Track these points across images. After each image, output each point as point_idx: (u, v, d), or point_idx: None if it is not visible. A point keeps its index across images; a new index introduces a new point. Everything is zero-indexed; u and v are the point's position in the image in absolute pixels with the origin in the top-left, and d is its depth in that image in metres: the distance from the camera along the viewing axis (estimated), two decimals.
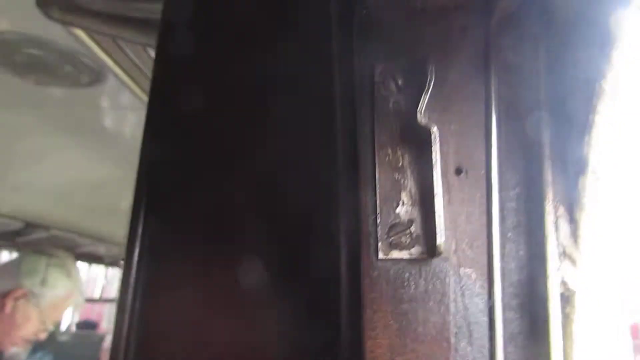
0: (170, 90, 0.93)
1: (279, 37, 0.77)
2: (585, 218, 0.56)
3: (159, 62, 0.96)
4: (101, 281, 6.35)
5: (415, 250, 0.59)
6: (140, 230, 0.94)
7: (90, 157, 4.04)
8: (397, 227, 0.60)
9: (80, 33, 2.33)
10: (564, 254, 0.57)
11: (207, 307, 0.88)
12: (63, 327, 5.66)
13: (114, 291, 6.50)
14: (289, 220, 0.79)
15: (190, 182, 0.91)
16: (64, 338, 5.28)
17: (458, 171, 0.61)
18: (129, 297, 0.91)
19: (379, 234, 0.60)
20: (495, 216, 0.59)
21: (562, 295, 0.56)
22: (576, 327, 0.55)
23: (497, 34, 0.64)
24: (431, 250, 0.58)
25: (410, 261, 0.59)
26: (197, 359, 0.87)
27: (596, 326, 0.55)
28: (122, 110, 3.42)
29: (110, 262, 6.32)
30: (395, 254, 0.59)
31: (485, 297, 0.58)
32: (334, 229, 0.69)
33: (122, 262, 1.00)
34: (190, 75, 0.89)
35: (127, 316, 0.89)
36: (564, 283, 0.56)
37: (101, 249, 5.80)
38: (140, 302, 0.91)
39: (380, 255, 0.59)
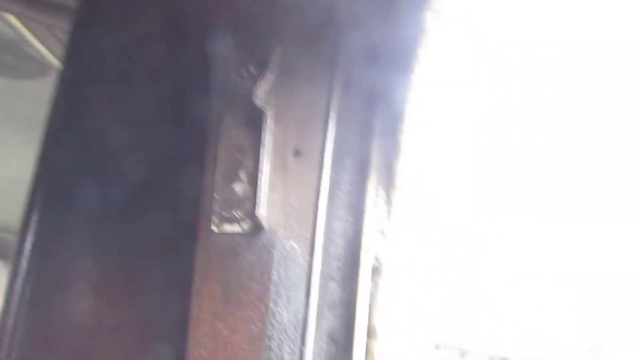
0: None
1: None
2: (397, 198, 0.61)
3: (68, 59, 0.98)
4: None
5: (246, 225, 0.63)
6: (34, 221, 0.95)
7: (34, 152, 3.94)
8: (231, 202, 0.64)
9: (13, 20, 2.30)
10: (379, 230, 0.62)
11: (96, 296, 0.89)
12: None
13: None
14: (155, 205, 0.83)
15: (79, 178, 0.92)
16: None
17: (296, 152, 0.66)
18: (18, 288, 0.91)
19: (214, 208, 0.64)
20: (323, 196, 0.64)
21: (373, 266, 0.61)
22: (381, 294, 0.60)
23: (347, 34, 0.70)
24: (260, 224, 0.62)
25: (241, 235, 0.63)
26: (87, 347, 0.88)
27: (399, 294, 0.60)
28: None
29: None
30: (228, 228, 0.63)
31: (306, 267, 0.63)
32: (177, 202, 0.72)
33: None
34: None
35: (14, 306, 0.89)
36: (376, 255, 0.61)
37: None
38: (30, 293, 0.91)
39: (214, 228, 0.63)
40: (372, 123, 0.66)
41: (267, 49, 0.67)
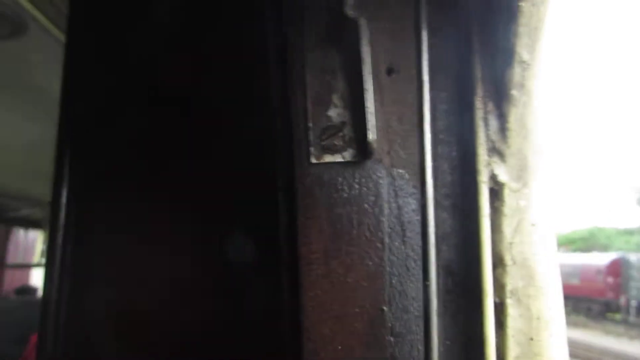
0: (90, 34, 0.86)
1: None
2: (513, 111, 0.56)
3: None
4: (39, 246, 6.08)
5: (349, 153, 0.57)
6: (66, 172, 0.88)
7: (19, 116, 3.77)
8: (329, 130, 0.58)
9: None
10: (493, 149, 0.57)
11: (139, 247, 0.85)
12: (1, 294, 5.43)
13: None
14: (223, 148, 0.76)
15: (115, 120, 0.86)
16: (3, 304, 5.07)
17: (389, 71, 0.59)
18: (59, 240, 0.86)
19: (310, 138, 0.58)
20: (426, 116, 0.58)
21: (491, 189, 0.57)
22: (505, 220, 0.55)
23: None
24: (365, 151, 0.56)
25: (344, 164, 0.57)
26: (131, 301, 0.84)
27: (524, 218, 0.56)
28: (48, 63, 3.17)
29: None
30: (328, 158, 0.57)
31: (418, 196, 0.58)
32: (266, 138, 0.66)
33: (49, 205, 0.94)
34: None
35: (58, 261, 0.84)
36: (493, 177, 0.56)
37: (37, 213, 5.54)
38: (72, 245, 0.86)
39: (313, 160, 0.57)
40: (470, 29, 0.59)
41: None
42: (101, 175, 0.88)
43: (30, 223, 5.69)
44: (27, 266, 6.06)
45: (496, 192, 0.57)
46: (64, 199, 0.87)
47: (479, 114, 0.57)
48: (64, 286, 0.84)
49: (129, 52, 0.85)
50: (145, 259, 0.85)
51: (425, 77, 0.58)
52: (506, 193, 0.56)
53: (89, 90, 0.89)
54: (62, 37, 2.61)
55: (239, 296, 0.75)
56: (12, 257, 5.58)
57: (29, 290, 5.60)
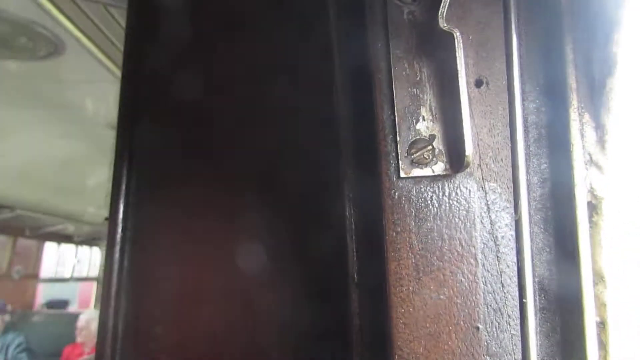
0: (148, 47, 0.87)
1: None
2: (613, 122, 0.54)
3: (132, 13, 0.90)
4: (71, 260, 6.18)
5: (438, 167, 0.56)
6: (124, 187, 0.89)
7: (54, 134, 3.87)
8: (418, 143, 0.56)
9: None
10: (590, 162, 0.55)
11: (198, 263, 0.85)
12: (34, 308, 5.51)
13: (84, 270, 6.35)
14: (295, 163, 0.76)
15: (172, 136, 0.86)
16: (35, 318, 5.14)
17: (478, 83, 0.58)
18: (117, 254, 0.86)
19: (399, 152, 0.57)
20: (519, 128, 0.57)
21: (589, 203, 0.54)
22: (605, 234, 0.53)
23: None
24: (456, 164, 0.55)
25: (433, 178, 0.56)
26: (188, 317, 0.84)
27: (626, 233, 0.53)
28: (84, 82, 3.25)
29: (79, 241, 6.17)
30: (417, 172, 0.56)
31: (512, 210, 0.56)
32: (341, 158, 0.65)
33: (105, 221, 0.95)
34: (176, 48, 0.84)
35: (115, 275, 0.84)
36: (591, 191, 0.54)
37: (70, 228, 5.64)
38: (129, 259, 0.86)
39: (402, 174, 0.56)
40: (562, 39, 0.57)
41: None
42: (157, 190, 0.88)
43: (62, 238, 5.80)
44: (60, 280, 6.16)
45: (594, 206, 0.54)
46: (120, 215, 0.87)
47: (575, 125, 0.56)
48: (120, 302, 0.84)
49: (187, 68, 0.86)
50: (203, 273, 0.84)
51: (517, 88, 0.57)
52: (605, 207, 0.54)
53: (146, 109, 0.90)
54: (100, 56, 2.68)
55: (304, 309, 0.74)
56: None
57: (60, 304, 5.68)
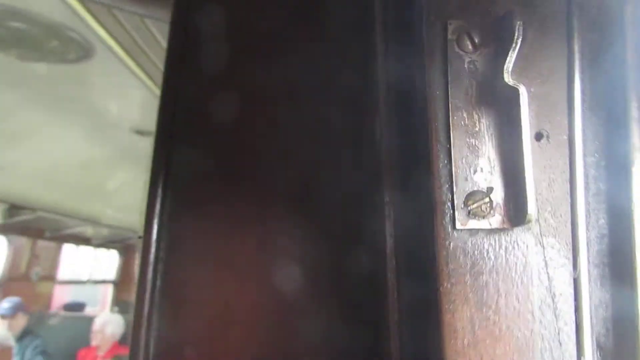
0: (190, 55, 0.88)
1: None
2: None
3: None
4: (89, 263, 6.26)
5: (495, 220, 0.56)
6: (158, 206, 0.89)
7: (77, 136, 3.93)
8: (475, 195, 0.56)
9: (73, 2, 2.21)
10: None
11: (231, 283, 0.85)
12: (51, 310, 5.57)
13: (101, 273, 6.42)
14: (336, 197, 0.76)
15: (214, 172, 0.87)
16: (52, 321, 5.20)
17: (538, 136, 0.57)
18: (150, 273, 0.87)
19: (455, 202, 0.56)
20: (580, 183, 0.56)
21: None
22: None
23: None
24: (515, 219, 0.55)
25: (490, 231, 0.56)
26: (224, 337, 0.84)
27: None
28: (110, 87, 3.29)
29: (98, 244, 6.24)
30: (474, 224, 0.56)
31: (570, 268, 0.55)
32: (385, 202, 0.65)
33: (139, 239, 0.96)
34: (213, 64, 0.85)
35: (148, 294, 0.85)
36: None
37: (89, 231, 5.71)
38: (161, 278, 0.87)
39: (458, 226, 0.56)
40: (626, 93, 0.57)
41: (504, 17, 0.58)
42: (192, 210, 0.89)
43: (81, 240, 5.87)
44: (78, 282, 6.23)
45: None
46: (154, 234, 0.88)
47: (637, 181, 0.55)
48: (152, 321, 0.84)
49: (224, 88, 0.87)
50: (236, 294, 0.84)
51: (579, 143, 0.57)
52: None
53: (184, 129, 0.90)
54: (129, 62, 2.72)
55: (339, 331, 0.73)
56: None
57: (77, 306, 5.73)
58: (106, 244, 6.10)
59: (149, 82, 2.83)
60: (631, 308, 0.54)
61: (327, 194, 0.78)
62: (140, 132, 3.74)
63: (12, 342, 4.24)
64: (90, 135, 3.96)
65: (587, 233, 0.56)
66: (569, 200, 0.56)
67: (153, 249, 0.88)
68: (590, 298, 0.55)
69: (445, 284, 0.55)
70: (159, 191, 0.89)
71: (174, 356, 0.84)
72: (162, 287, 0.86)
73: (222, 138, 0.87)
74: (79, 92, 3.26)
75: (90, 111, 3.53)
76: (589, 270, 0.55)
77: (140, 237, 0.93)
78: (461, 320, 0.54)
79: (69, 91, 3.25)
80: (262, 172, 0.84)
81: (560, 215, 0.56)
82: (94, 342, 4.69)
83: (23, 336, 4.46)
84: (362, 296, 0.73)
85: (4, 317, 4.40)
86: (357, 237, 0.75)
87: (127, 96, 3.23)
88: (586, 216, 0.56)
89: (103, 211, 5.31)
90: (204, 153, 0.88)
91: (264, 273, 0.80)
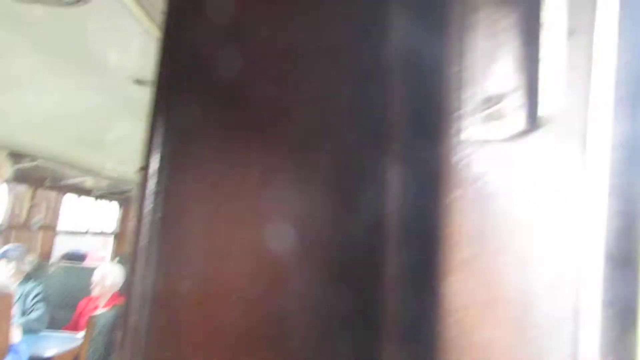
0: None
1: None
2: None
3: None
4: (90, 214, 6.28)
5: (510, 128, 0.51)
6: (160, 138, 0.85)
7: (76, 84, 3.84)
8: (489, 101, 0.51)
9: None
10: None
11: (228, 221, 0.82)
12: (52, 259, 5.64)
13: (101, 224, 6.46)
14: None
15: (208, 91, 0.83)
16: (52, 269, 5.25)
17: (571, 32, 0.52)
18: (149, 207, 0.84)
19: (467, 109, 0.51)
20: (608, 86, 0.51)
21: None
22: None
23: None
24: (532, 124, 0.50)
25: (510, 138, 0.51)
26: (220, 273, 0.81)
27: None
28: (109, 33, 3.19)
29: (98, 195, 6.24)
30: (485, 133, 0.51)
31: (588, 176, 0.51)
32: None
33: (140, 171, 0.93)
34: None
35: (146, 227, 0.82)
36: None
37: (89, 182, 5.69)
38: (161, 212, 0.83)
39: (466, 136, 0.51)
40: None
41: None
42: (193, 147, 0.85)
43: (81, 191, 5.87)
44: (78, 233, 6.28)
45: None
46: (156, 166, 0.84)
47: None
48: (150, 255, 0.82)
49: (227, 43, 0.82)
50: (232, 231, 0.82)
51: (612, 42, 0.51)
52: None
53: (185, 72, 0.86)
54: (129, 4, 2.61)
55: (331, 289, 0.71)
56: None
57: (77, 256, 5.79)
58: (107, 195, 6.11)
59: (151, 28, 2.73)
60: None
61: (327, 154, 0.75)
62: (140, 82, 3.66)
63: (12, 289, 4.29)
64: (90, 84, 3.87)
65: (612, 140, 0.51)
66: (593, 105, 0.51)
67: (155, 182, 0.85)
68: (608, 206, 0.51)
69: (452, 195, 0.51)
70: (161, 124, 0.85)
71: (171, 287, 0.82)
72: (161, 221, 0.83)
73: (223, 90, 0.83)
74: (77, 38, 3.15)
75: (88, 58, 3.42)
76: (608, 180, 0.51)
77: (142, 169, 0.90)
78: (466, 233, 0.51)
79: (66, 36, 3.14)
80: (263, 125, 0.80)
81: (582, 121, 0.51)
82: (94, 293, 4.75)
83: (24, 283, 4.52)
84: (356, 259, 0.70)
85: (9, 260, 4.45)
86: (357, 195, 0.71)
87: (127, 43, 3.13)
88: (613, 122, 0.51)
89: (103, 163, 5.28)
90: (205, 99, 0.84)
91: (262, 213, 0.78)
